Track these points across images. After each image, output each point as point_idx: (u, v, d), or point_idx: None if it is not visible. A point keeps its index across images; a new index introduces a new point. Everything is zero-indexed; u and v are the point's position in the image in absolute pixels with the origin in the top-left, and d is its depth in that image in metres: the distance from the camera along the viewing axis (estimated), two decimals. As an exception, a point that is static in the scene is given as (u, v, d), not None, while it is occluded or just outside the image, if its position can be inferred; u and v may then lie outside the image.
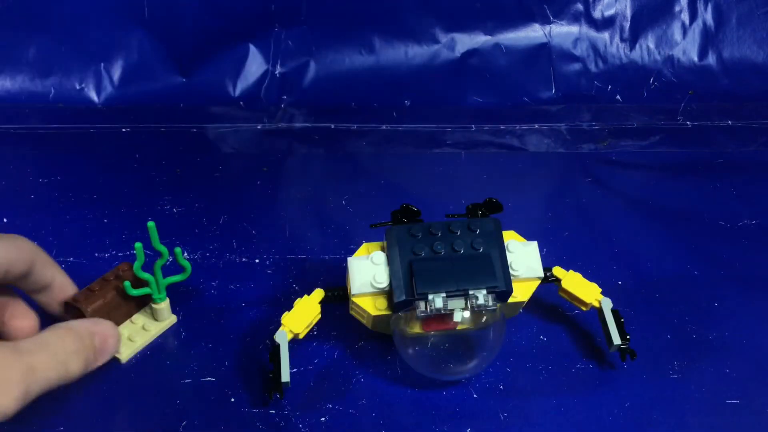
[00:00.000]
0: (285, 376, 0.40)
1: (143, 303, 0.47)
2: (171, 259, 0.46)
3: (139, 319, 0.46)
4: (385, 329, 0.45)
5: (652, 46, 0.83)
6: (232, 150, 0.73)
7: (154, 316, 0.46)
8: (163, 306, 0.46)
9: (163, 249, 0.43)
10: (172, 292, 0.48)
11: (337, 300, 0.45)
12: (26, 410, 0.31)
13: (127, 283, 0.43)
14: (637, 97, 0.82)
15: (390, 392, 0.43)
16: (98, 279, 0.44)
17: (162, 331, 0.47)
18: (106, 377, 0.43)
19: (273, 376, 0.41)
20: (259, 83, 0.81)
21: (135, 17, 0.79)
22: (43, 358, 0.32)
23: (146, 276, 0.43)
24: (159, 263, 0.44)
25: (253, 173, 0.67)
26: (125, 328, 0.45)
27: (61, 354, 0.33)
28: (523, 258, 0.44)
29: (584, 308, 0.47)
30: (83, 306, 0.42)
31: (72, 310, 0.43)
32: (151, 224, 0.41)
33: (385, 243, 0.43)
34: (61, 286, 0.43)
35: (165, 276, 0.45)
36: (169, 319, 0.47)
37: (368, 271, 0.42)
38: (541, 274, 0.44)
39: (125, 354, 0.44)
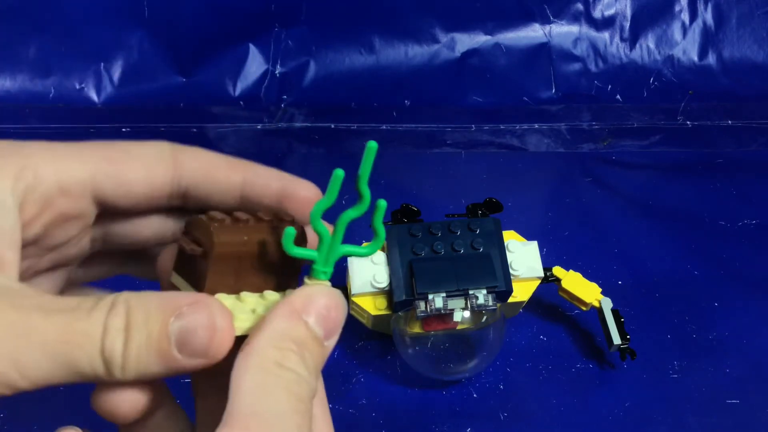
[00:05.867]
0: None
1: (288, 274, 0.26)
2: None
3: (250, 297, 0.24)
4: (385, 329, 0.45)
5: (652, 45, 0.83)
6: (232, 150, 0.73)
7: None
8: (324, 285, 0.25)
9: (366, 193, 0.25)
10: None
11: (337, 300, 0.45)
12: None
13: (290, 231, 0.25)
14: (637, 97, 0.82)
15: (390, 392, 0.43)
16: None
17: None
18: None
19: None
20: (259, 83, 0.81)
21: (135, 17, 0.79)
22: None
23: (322, 230, 0.26)
24: (351, 214, 0.26)
25: (253, 173, 0.67)
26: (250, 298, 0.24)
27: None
28: (523, 258, 0.44)
29: (584, 308, 0.47)
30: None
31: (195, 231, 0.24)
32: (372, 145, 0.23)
33: (385, 242, 0.43)
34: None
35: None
36: None
37: (368, 270, 0.42)
38: (541, 273, 0.44)
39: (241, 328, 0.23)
